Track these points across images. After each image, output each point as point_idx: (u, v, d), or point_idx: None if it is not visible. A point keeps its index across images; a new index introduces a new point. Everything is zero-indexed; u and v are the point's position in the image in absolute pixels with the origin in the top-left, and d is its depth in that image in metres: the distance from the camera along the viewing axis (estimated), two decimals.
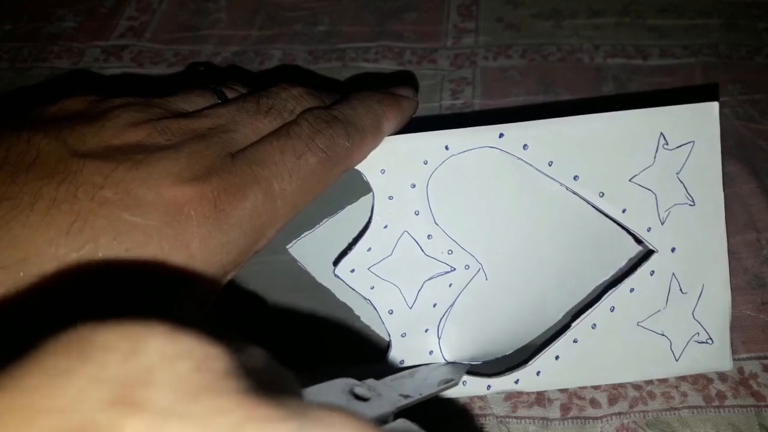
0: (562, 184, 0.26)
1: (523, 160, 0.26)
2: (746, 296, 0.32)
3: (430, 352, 0.27)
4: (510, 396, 0.29)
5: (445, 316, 0.27)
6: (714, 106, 0.26)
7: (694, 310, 0.27)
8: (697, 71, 0.41)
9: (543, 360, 0.27)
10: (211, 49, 0.45)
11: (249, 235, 0.22)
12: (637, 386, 0.29)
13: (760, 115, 0.39)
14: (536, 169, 0.26)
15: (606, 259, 0.27)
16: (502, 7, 0.47)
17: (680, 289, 0.27)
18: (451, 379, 0.25)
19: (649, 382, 0.29)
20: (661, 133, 0.26)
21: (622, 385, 0.29)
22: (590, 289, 0.28)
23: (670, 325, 0.27)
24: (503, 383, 0.27)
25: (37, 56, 0.45)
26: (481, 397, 0.29)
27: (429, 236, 0.26)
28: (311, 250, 0.28)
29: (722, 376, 0.29)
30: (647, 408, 0.28)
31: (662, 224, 0.26)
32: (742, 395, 0.29)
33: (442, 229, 0.26)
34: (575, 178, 0.26)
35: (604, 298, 0.27)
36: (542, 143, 0.26)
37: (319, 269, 0.28)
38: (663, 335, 0.27)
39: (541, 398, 0.29)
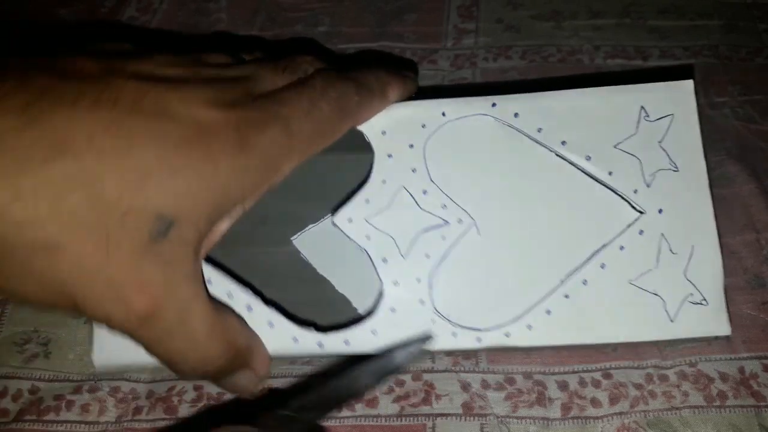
0: (550, 150, 0.28)
1: (514, 127, 0.29)
2: (746, 296, 0.32)
3: (421, 302, 0.27)
4: (510, 395, 0.29)
5: (437, 268, 0.28)
6: (689, 84, 0.29)
7: (685, 271, 0.27)
8: (697, 72, 0.41)
9: (534, 314, 0.27)
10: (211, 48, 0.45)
11: (267, 165, 0.24)
12: (638, 385, 0.29)
13: (760, 116, 0.39)
14: (526, 135, 0.29)
15: (600, 225, 0.28)
16: (502, 8, 0.47)
17: (670, 249, 0.27)
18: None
19: (650, 381, 0.29)
20: (642, 107, 0.28)
21: (623, 384, 0.29)
22: (585, 254, 0.28)
23: (663, 285, 0.27)
24: (494, 337, 0.27)
25: None
26: (482, 396, 0.29)
27: (425, 192, 0.28)
28: (315, 242, 0.29)
29: (723, 376, 0.29)
30: (648, 408, 0.29)
31: (648, 187, 0.28)
32: (742, 395, 0.29)
33: (437, 186, 0.28)
34: (563, 143, 0.28)
35: (594, 256, 0.27)
36: (531, 112, 0.29)
37: (321, 261, 0.29)
38: (656, 294, 0.27)
39: (541, 398, 0.29)
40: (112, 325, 0.22)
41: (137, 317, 0.22)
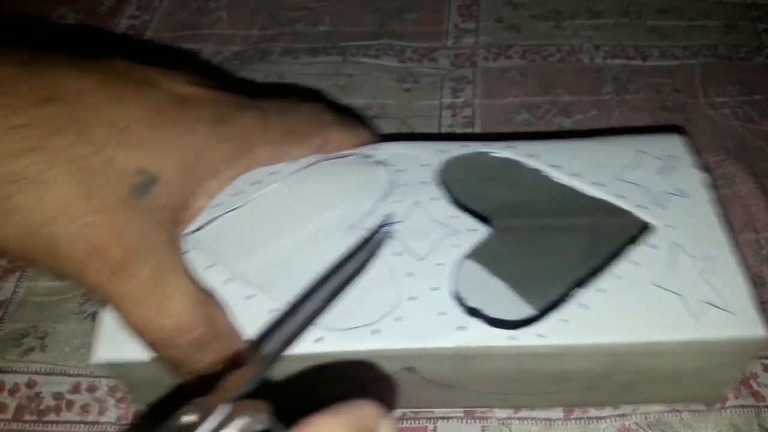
0: (561, 179, 0.29)
1: (521, 161, 0.30)
2: None
3: (441, 313, 0.26)
4: None
5: (452, 273, 0.27)
6: (676, 137, 0.31)
7: (706, 274, 0.27)
8: (697, 72, 0.41)
9: (550, 322, 0.26)
10: (211, 48, 0.45)
11: (241, 141, 0.26)
12: None
13: (759, 116, 0.39)
14: (540, 169, 0.30)
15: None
16: (503, 7, 0.47)
17: (687, 255, 0.27)
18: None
19: None
20: (642, 151, 0.30)
21: None
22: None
23: (684, 286, 0.26)
24: (528, 336, 0.25)
25: None
26: None
27: (435, 201, 0.29)
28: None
29: None
30: (649, 409, 0.29)
31: (660, 207, 0.28)
32: (743, 395, 0.29)
33: (450, 201, 0.29)
34: (574, 174, 0.29)
35: (609, 264, 0.27)
36: (545, 153, 0.30)
37: None
38: (678, 294, 0.26)
39: None
40: (86, 275, 0.22)
41: (110, 268, 0.22)
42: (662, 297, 0.26)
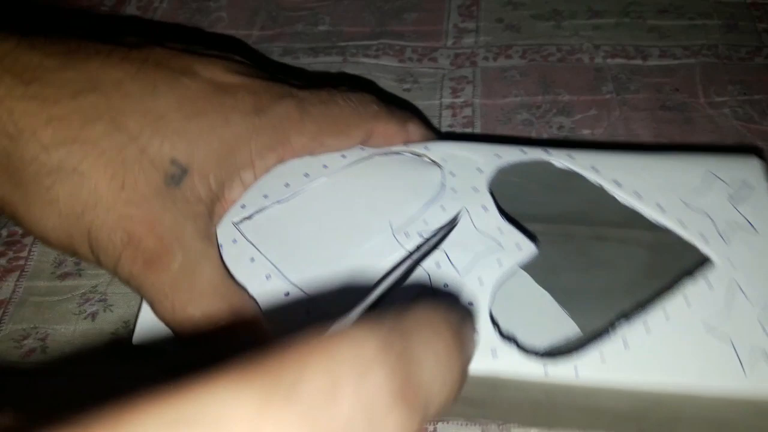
0: (622, 198, 0.27)
1: (583, 174, 0.28)
2: None
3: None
4: None
5: (491, 293, 0.25)
6: (755, 161, 0.28)
7: (765, 323, 0.24)
8: (697, 72, 0.41)
9: (589, 355, 0.24)
10: None
11: (277, 132, 0.26)
12: None
13: (759, 116, 0.39)
14: (598, 183, 0.27)
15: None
16: (503, 7, 0.47)
17: (745, 298, 0.25)
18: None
19: None
20: (713, 173, 0.27)
21: None
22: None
23: (736, 334, 0.24)
24: (563, 371, 0.24)
25: None
26: None
27: (484, 210, 0.27)
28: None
29: None
30: None
31: (724, 242, 0.26)
32: None
33: (500, 212, 0.27)
34: (636, 194, 0.27)
35: (659, 298, 0.25)
36: (609, 166, 0.28)
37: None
38: (730, 342, 0.24)
39: None
40: (120, 266, 0.23)
41: (144, 258, 0.22)
42: (712, 344, 0.24)
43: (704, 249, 0.26)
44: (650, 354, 0.23)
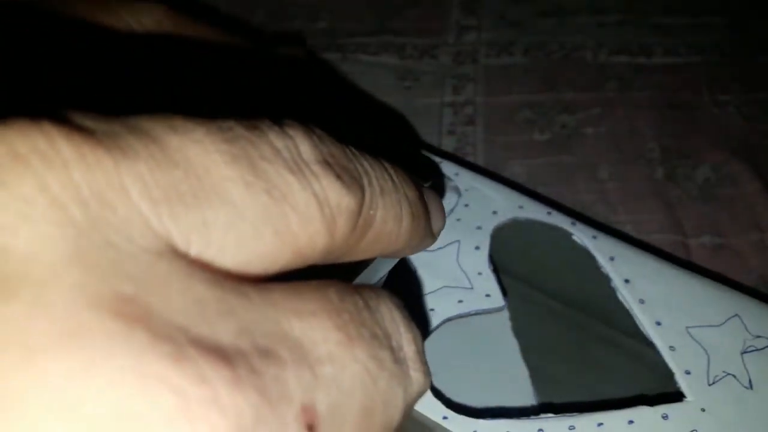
0: (626, 299, 0.26)
1: (597, 259, 0.26)
2: None
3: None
4: None
5: (436, 323, 0.25)
6: None
7: None
8: (702, 70, 0.41)
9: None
10: None
11: None
12: None
13: (764, 115, 0.39)
14: (610, 277, 0.26)
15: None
16: (505, 4, 0.46)
17: None
18: None
19: None
20: (738, 314, 0.25)
21: None
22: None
23: None
24: (461, 424, 0.23)
25: None
26: None
27: (475, 250, 0.27)
28: None
29: None
30: None
31: (707, 383, 0.23)
32: None
33: (487, 256, 0.27)
34: (641, 301, 0.25)
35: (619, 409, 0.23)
36: (626, 261, 0.26)
37: None
38: None
39: None
40: None
41: None
42: None
43: (680, 381, 0.23)
44: None
